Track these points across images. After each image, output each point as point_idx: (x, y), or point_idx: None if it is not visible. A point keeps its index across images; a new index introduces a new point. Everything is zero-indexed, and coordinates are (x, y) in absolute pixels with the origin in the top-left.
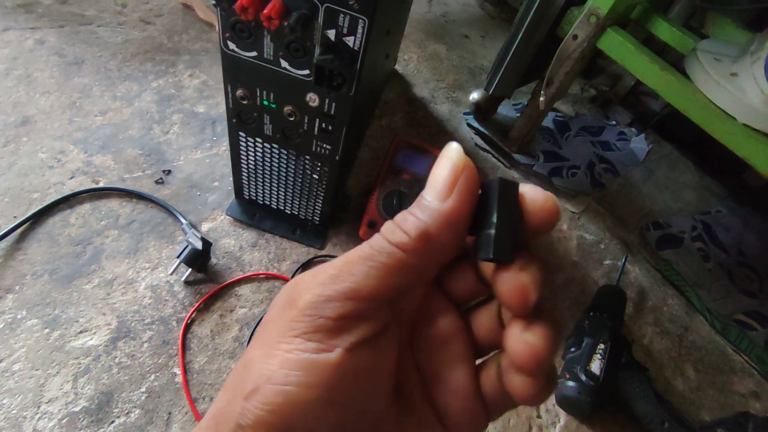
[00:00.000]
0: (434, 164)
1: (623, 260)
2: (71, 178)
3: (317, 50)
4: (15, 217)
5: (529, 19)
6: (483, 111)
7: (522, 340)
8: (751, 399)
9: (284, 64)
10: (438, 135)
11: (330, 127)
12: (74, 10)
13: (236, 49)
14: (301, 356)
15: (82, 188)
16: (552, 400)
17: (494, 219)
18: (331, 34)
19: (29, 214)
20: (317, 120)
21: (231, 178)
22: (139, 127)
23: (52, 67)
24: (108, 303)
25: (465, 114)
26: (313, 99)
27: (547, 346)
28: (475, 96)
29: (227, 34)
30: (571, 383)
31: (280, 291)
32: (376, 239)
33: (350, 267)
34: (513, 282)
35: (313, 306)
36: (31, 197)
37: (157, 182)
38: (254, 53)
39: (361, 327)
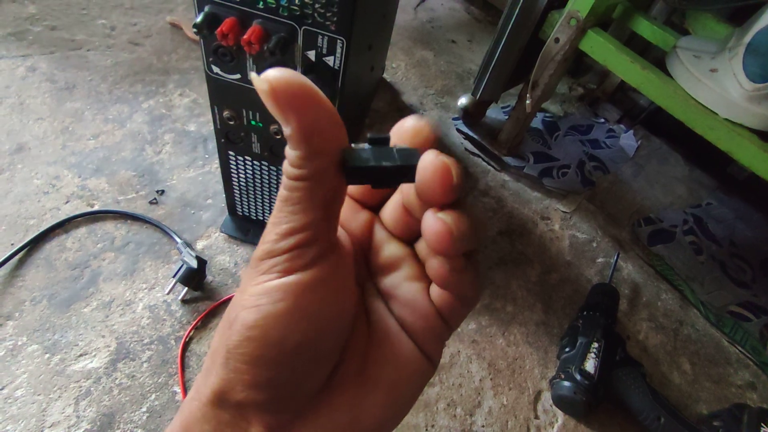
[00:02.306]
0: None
1: (615, 258)
2: (66, 202)
3: (299, 71)
4: (12, 244)
5: (511, 24)
6: (472, 115)
7: (435, 218)
8: (748, 390)
9: None
10: None
11: None
12: (64, 36)
13: (220, 72)
14: (266, 284)
15: (77, 212)
16: (549, 400)
17: (393, 148)
18: (311, 54)
19: (26, 240)
20: None
21: (224, 196)
22: (132, 149)
23: (44, 93)
24: (107, 325)
25: (454, 119)
26: None
27: (459, 227)
28: (463, 101)
29: (210, 59)
30: (566, 383)
31: None
32: (283, 181)
33: (278, 211)
34: (432, 164)
35: (266, 251)
36: (27, 224)
37: (151, 203)
38: (238, 75)
39: (309, 251)
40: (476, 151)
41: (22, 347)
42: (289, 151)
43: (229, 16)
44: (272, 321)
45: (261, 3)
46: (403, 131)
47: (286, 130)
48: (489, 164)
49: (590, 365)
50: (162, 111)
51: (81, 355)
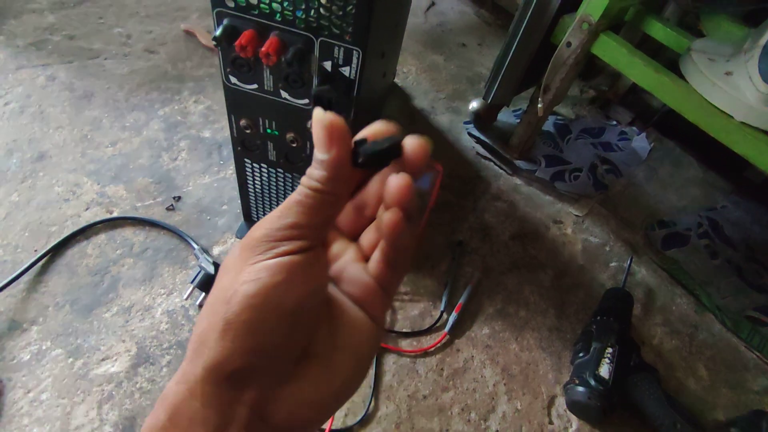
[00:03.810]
0: (313, 128)
1: (628, 262)
2: (86, 209)
3: (315, 81)
4: (35, 250)
5: (523, 28)
6: (483, 119)
7: (401, 175)
8: (766, 396)
9: (284, 94)
10: (439, 146)
11: None
12: (82, 45)
13: (237, 83)
14: (265, 262)
15: (97, 219)
16: (563, 405)
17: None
18: (327, 65)
19: (48, 247)
20: None
21: (239, 201)
22: (149, 156)
23: (64, 102)
24: (127, 330)
25: (465, 123)
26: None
27: (410, 185)
28: (474, 105)
29: (228, 69)
30: (580, 388)
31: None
32: (300, 188)
33: (288, 208)
34: (414, 139)
35: (267, 235)
36: (49, 230)
37: (168, 209)
38: (255, 86)
39: (302, 241)
40: (488, 155)
41: (47, 351)
42: (317, 171)
43: (248, 28)
44: (271, 290)
45: (278, 15)
46: (376, 131)
47: (324, 156)
48: (501, 168)
49: (605, 370)
50: (177, 118)
51: (103, 360)
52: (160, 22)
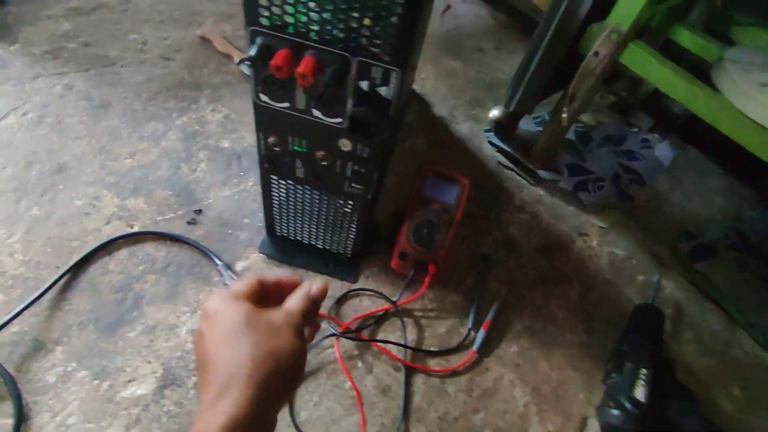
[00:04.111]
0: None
1: (656, 278)
2: (107, 223)
3: (349, 101)
4: (57, 267)
5: (548, 36)
6: (504, 128)
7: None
8: None
9: (316, 113)
10: (461, 156)
11: (362, 169)
12: (98, 52)
13: (268, 101)
14: (297, 340)
15: (118, 234)
16: (596, 427)
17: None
18: (364, 85)
19: (71, 264)
20: (349, 163)
21: (261, 215)
22: (168, 167)
23: (81, 112)
24: (152, 350)
25: (486, 132)
26: (345, 144)
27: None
28: (495, 113)
29: (260, 88)
30: (616, 411)
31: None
32: (307, 310)
33: (309, 314)
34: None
35: (299, 320)
36: (71, 246)
37: (189, 223)
38: (286, 104)
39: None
40: (510, 164)
41: (72, 373)
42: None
43: (282, 47)
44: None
45: (314, 34)
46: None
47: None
48: (523, 178)
49: (640, 393)
50: (195, 128)
51: (129, 381)
52: (175, 27)
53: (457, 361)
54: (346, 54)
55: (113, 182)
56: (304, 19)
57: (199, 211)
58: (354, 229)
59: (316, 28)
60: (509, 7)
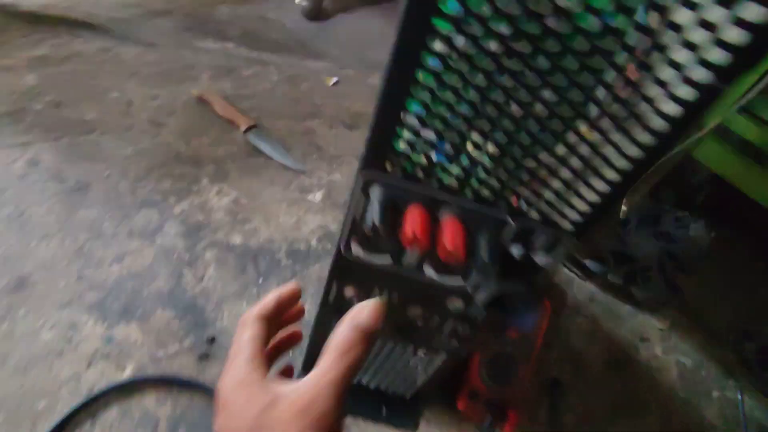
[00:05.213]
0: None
1: (739, 398)
2: (88, 366)
3: (481, 261)
4: None
5: None
6: None
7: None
8: None
9: (428, 271)
10: None
11: (467, 330)
12: (71, 115)
13: (361, 254)
14: None
15: (104, 382)
16: None
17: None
18: (515, 250)
19: None
20: (452, 321)
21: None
22: (167, 275)
23: (51, 198)
24: None
25: None
26: (455, 303)
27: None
28: None
29: (353, 239)
30: None
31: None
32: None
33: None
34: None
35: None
36: (35, 408)
37: (200, 358)
38: (388, 259)
39: None
40: None
41: None
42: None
43: (412, 201)
44: None
45: (468, 190)
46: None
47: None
48: (571, 271)
49: None
50: (198, 218)
51: None
52: (166, 84)
53: None
54: (504, 218)
55: (95, 301)
56: (463, 175)
57: (212, 340)
58: (426, 378)
59: (477, 185)
60: None
